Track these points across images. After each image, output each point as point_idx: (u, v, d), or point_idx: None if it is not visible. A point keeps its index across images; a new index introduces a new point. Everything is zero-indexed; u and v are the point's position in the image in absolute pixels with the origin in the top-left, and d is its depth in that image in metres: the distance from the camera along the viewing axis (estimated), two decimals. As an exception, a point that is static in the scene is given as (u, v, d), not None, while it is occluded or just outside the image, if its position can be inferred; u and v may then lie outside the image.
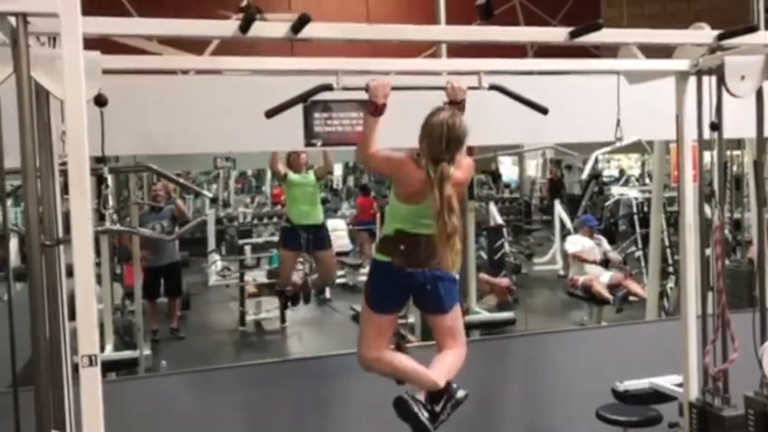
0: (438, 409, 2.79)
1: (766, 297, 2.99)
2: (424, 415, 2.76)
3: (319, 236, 5.60)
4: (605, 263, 7.56)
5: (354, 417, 3.98)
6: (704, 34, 2.81)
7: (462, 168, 2.86)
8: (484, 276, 7.99)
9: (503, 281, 8.26)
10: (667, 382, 3.37)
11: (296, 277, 5.98)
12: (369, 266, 3.07)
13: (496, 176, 16.56)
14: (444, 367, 2.89)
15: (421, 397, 2.83)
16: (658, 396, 3.42)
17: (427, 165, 2.78)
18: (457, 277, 3.08)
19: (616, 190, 11.59)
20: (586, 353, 4.35)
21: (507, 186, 17.55)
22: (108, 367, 5.15)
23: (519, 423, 4.31)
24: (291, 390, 3.96)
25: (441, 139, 2.74)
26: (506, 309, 7.53)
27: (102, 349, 5.55)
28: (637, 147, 11.02)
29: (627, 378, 3.60)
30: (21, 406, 2.18)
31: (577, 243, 7.83)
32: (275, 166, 5.51)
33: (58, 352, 2.28)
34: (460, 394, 2.81)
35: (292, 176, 5.57)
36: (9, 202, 8.15)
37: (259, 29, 2.26)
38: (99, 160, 3.22)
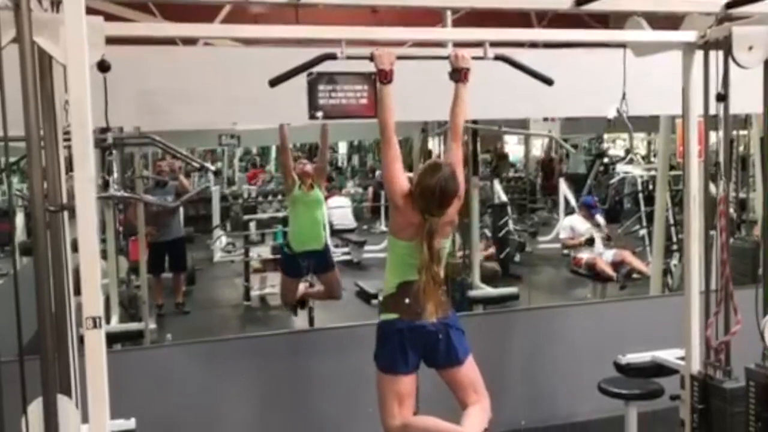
0: None
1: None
2: None
3: (321, 261, 5.39)
4: (590, 242, 7.55)
5: (357, 388, 4.01)
6: (713, 2, 2.78)
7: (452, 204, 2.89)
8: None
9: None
10: (669, 355, 3.38)
11: (301, 287, 5.85)
12: (377, 330, 2.99)
13: (501, 156, 16.52)
14: (476, 422, 2.84)
15: None
16: (660, 369, 3.42)
17: (421, 209, 2.84)
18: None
19: (621, 168, 11.56)
20: (590, 327, 4.38)
21: (512, 165, 17.53)
22: (113, 338, 5.18)
23: (522, 395, 4.34)
24: (293, 361, 3.99)
25: (434, 199, 2.81)
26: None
27: (108, 321, 5.59)
28: (641, 126, 10.98)
29: (630, 352, 3.61)
30: (28, 377, 2.19)
31: (567, 227, 7.86)
32: (285, 141, 5.38)
33: (64, 319, 2.29)
34: None
35: (297, 192, 5.36)
36: (14, 178, 8.19)
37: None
38: (102, 132, 3.23)
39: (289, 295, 5.68)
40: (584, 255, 7.46)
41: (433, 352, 2.90)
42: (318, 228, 5.38)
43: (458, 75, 2.88)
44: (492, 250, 8.62)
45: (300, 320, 7.80)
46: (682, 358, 3.22)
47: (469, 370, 2.93)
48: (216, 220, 11.14)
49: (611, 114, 3.32)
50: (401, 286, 2.88)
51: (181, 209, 9.69)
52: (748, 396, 2.88)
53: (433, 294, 2.80)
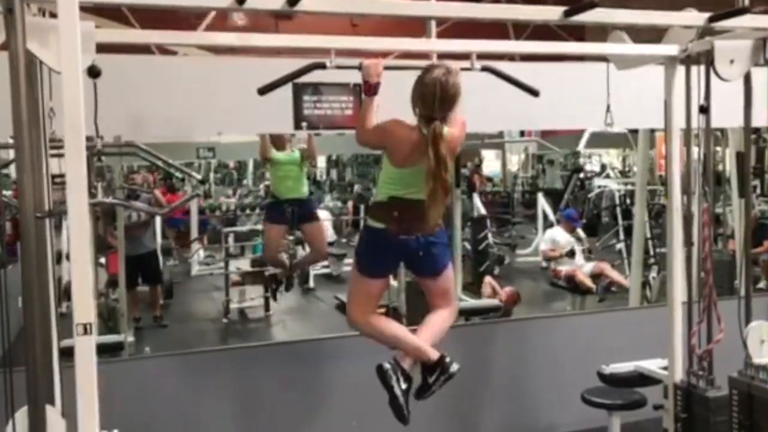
0: (431, 381, 2.81)
1: (750, 281, 3.04)
2: (401, 388, 2.77)
3: (305, 209, 5.38)
4: (571, 253, 7.62)
5: (337, 399, 3.99)
6: (696, 16, 2.83)
7: (457, 125, 2.82)
8: (490, 280, 7.79)
9: (509, 290, 7.46)
10: (652, 365, 3.40)
11: (284, 257, 5.80)
12: (360, 231, 3.06)
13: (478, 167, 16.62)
14: (431, 333, 2.91)
15: (406, 364, 2.82)
16: (644, 379, 3.44)
17: (420, 123, 2.75)
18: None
19: (598, 182, 11.72)
20: (572, 338, 4.40)
21: (489, 179, 17.67)
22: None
23: (505, 406, 4.34)
24: (273, 373, 3.96)
25: (434, 99, 2.70)
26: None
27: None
28: (617, 142, 11.13)
29: (611, 362, 3.63)
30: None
31: (548, 240, 7.93)
32: (267, 155, 5.39)
33: (48, 329, 2.25)
34: (454, 368, 2.81)
35: (276, 154, 5.39)
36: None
37: (256, 0, 2.24)
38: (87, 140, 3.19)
39: (272, 246, 5.61)
40: (564, 267, 7.52)
41: (414, 263, 2.97)
42: (301, 180, 5.41)
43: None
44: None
45: (280, 334, 7.80)
46: (665, 368, 3.25)
47: (444, 280, 2.99)
48: (194, 233, 11.06)
49: (604, 127, 3.37)
50: (393, 199, 2.84)
51: (158, 222, 9.63)
52: (731, 405, 2.91)
53: (433, 203, 2.73)
